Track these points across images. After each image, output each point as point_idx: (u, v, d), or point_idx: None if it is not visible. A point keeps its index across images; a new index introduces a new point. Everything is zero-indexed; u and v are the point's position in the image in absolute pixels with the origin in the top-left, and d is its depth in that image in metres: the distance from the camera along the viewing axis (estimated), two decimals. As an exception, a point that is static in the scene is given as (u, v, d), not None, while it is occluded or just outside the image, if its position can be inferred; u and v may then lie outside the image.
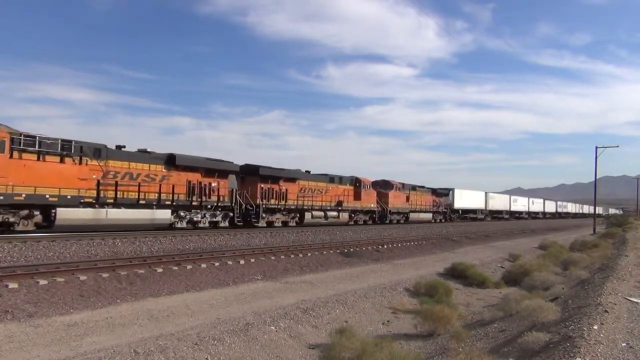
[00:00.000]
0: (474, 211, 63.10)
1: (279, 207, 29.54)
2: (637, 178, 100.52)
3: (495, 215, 71.32)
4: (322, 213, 32.91)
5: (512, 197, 78.90)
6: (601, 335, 6.68)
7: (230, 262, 15.55)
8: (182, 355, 7.54)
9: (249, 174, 28.32)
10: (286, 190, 29.89)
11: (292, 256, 18.15)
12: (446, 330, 9.92)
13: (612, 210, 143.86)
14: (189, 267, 14.19)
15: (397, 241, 26.50)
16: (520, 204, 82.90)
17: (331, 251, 20.47)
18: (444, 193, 54.83)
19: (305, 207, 31.41)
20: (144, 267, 13.46)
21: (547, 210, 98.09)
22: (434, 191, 52.03)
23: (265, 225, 28.29)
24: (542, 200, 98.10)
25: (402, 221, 43.73)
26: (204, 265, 14.58)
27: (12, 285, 10.34)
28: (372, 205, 39.21)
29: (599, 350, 6.02)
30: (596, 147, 48.00)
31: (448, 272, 18.08)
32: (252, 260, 16.49)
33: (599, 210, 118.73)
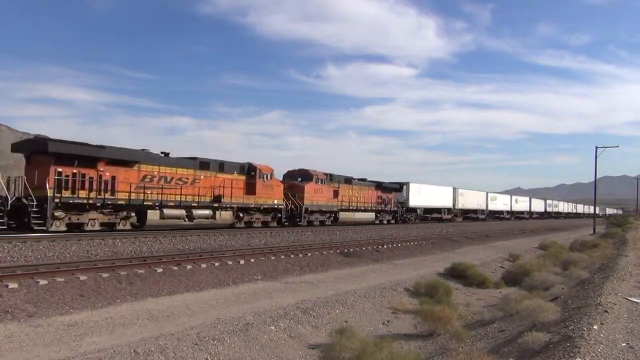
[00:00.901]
0: (438, 210, 53.06)
1: (93, 202, 20.18)
2: (637, 178, 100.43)
3: (468, 215, 62.12)
4: (181, 212, 23.54)
5: (490, 195, 69.03)
6: (601, 335, 6.68)
7: (230, 262, 15.55)
8: (182, 355, 7.55)
9: (37, 151, 19.76)
10: (113, 177, 21.04)
11: (292, 256, 18.15)
12: (446, 330, 9.92)
13: (609, 210, 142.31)
14: (189, 267, 14.19)
15: (397, 241, 26.51)
16: (501, 203, 73.41)
17: (331, 251, 20.48)
18: (395, 188, 44.80)
19: (149, 203, 22.05)
20: (144, 267, 13.46)
21: (534, 209, 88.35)
22: (379, 185, 42.05)
23: (65, 229, 19.28)
24: (527, 199, 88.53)
25: (328, 222, 34.59)
26: (204, 265, 14.58)
27: (12, 285, 10.34)
28: (275, 202, 29.42)
29: (599, 350, 6.02)
30: (596, 147, 48.10)
31: (448, 272, 18.09)
32: (252, 260, 16.50)
33: (597, 210, 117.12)
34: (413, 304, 12.98)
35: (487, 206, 66.80)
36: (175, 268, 13.91)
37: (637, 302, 9.33)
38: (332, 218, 35.21)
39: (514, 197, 79.41)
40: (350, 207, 37.03)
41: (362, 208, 38.62)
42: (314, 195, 33.08)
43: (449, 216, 55.23)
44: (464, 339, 9.05)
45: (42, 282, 10.85)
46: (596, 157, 47.87)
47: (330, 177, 35.34)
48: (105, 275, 12.09)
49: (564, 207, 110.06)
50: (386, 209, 42.33)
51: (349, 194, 37.12)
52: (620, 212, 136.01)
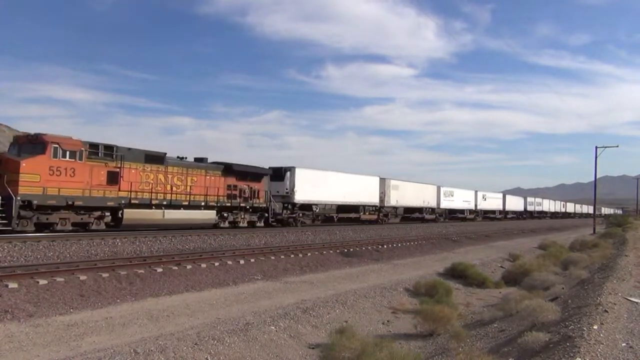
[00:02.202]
0: (355, 208, 38.54)
1: None
2: (637, 178, 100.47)
3: (409, 215, 48.84)
4: None
5: (444, 189, 54.38)
6: (601, 335, 6.68)
7: (230, 262, 15.55)
8: (182, 355, 7.54)
9: None
10: None
11: (292, 256, 18.15)
12: (446, 330, 9.92)
13: (606, 210, 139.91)
14: (188, 267, 14.19)
15: (397, 241, 26.51)
16: (460, 199, 58.43)
17: (331, 251, 20.48)
18: (265, 174, 29.82)
19: None
20: (144, 267, 13.46)
21: (510, 208, 74.29)
22: (230, 170, 26.75)
23: None
24: (500, 195, 73.25)
25: (98, 225, 20.54)
26: (203, 265, 14.58)
27: (12, 285, 10.33)
28: None
29: (599, 350, 6.01)
30: (596, 147, 48.12)
31: (448, 272, 18.10)
32: (252, 260, 16.49)
33: (590, 210, 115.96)
34: (413, 304, 12.98)
35: (438, 203, 52.87)
36: (175, 268, 13.91)
37: (637, 302, 9.33)
38: (107, 218, 20.81)
39: (480, 193, 63.95)
40: (155, 201, 22.42)
41: (186, 203, 23.94)
42: (52, 179, 18.54)
43: (373, 216, 41.01)
44: (463, 339, 9.05)
45: (42, 282, 10.85)
46: (596, 157, 47.94)
47: (106, 150, 20.67)
48: (105, 275, 12.09)
49: (549, 206, 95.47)
50: (245, 205, 27.52)
51: (151, 180, 22.52)
52: (619, 211, 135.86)
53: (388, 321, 11.60)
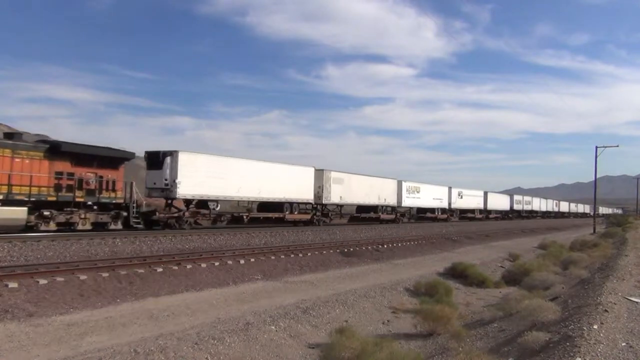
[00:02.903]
0: (278, 206, 30.20)
1: None
2: (637, 178, 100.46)
3: (359, 215, 40.24)
4: None
5: (407, 185, 45.49)
6: (601, 334, 6.68)
7: (230, 262, 15.56)
8: (182, 355, 7.55)
9: None
10: None
11: (292, 256, 18.15)
12: (446, 330, 9.92)
13: (603, 210, 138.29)
14: (189, 266, 14.20)
15: (397, 241, 26.50)
16: (430, 197, 49.80)
17: (331, 251, 20.48)
18: (129, 158, 22.52)
19: None
20: (144, 266, 13.45)
21: (492, 207, 65.06)
22: (59, 151, 19.22)
23: None
24: (481, 193, 62.96)
25: None
26: (204, 265, 14.59)
27: (12, 284, 10.33)
28: None
29: (599, 349, 6.01)
30: (596, 147, 48.19)
31: (448, 271, 18.12)
32: (252, 260, 16.49)
33: (586, 209, 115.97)
34: (413, 304, 12.98)
35: (399, 201, 44.25)
36: (176, 268, 13.91)
37: (637, 302, 9.34)
38: None
39: (455, 190, 55.38)
40: None
41: None
42: None
43: (305, 216, 33.10)
44: (463, 339, 9.06)
45: (42, 281, 10.85)
46: (596, 157, 48.01)
47: None
48: (105, 274, 12.09)
49: (540, 205, 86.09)
50: (87, 199, 20.00)
51: None
52: (619, 211, 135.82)
53: (388, 321, 11.60)
